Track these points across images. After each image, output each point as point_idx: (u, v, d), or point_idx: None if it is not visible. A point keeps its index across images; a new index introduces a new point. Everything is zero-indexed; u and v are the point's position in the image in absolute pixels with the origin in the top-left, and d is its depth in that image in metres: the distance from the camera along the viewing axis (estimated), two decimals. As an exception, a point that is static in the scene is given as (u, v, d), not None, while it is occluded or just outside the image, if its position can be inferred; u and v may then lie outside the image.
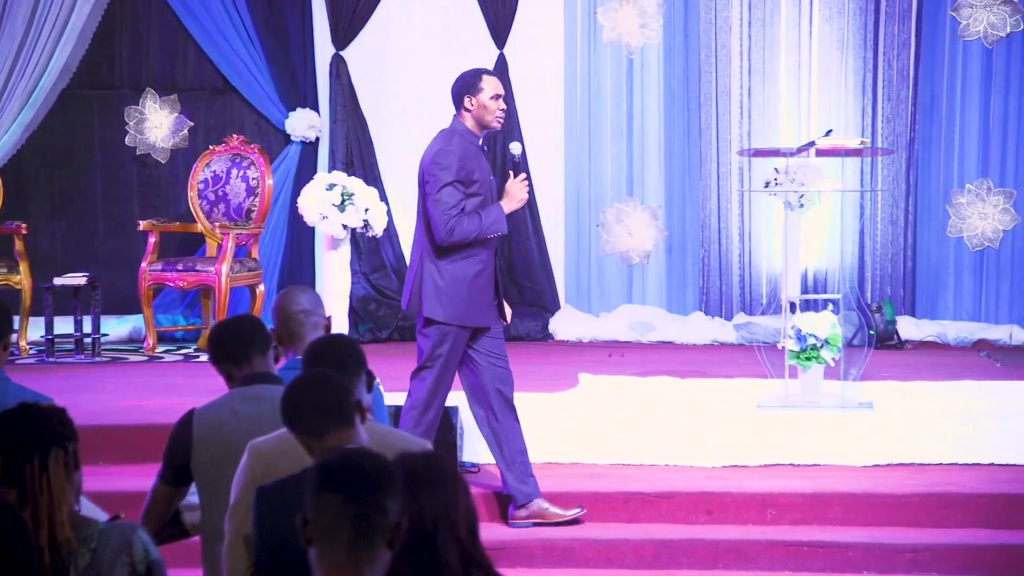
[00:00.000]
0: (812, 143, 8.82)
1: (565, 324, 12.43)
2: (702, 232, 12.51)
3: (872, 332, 11.22)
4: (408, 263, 7.86)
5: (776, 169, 9.32)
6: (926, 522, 7.53)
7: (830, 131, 9.12)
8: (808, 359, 8.50)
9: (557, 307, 12.60)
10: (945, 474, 7.99)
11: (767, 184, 9.60)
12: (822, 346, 8.48)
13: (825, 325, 8.51)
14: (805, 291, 11.47)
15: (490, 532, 7.13)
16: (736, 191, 12.39)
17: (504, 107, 7.38)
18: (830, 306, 8.78)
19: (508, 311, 7.63)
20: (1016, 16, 12.20)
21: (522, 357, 11.15)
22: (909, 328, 12.07)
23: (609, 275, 12.66)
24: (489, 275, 7.36)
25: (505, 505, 7.53)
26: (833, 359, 8.53)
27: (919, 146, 12.35)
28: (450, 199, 7.16)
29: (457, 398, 8.47)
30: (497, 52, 12.51)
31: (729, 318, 12.40)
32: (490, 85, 7.32)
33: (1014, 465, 8.09)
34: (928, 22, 12.29)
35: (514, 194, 7.36)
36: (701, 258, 12.53)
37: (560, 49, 12.55)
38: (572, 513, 7.49)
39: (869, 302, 11.99)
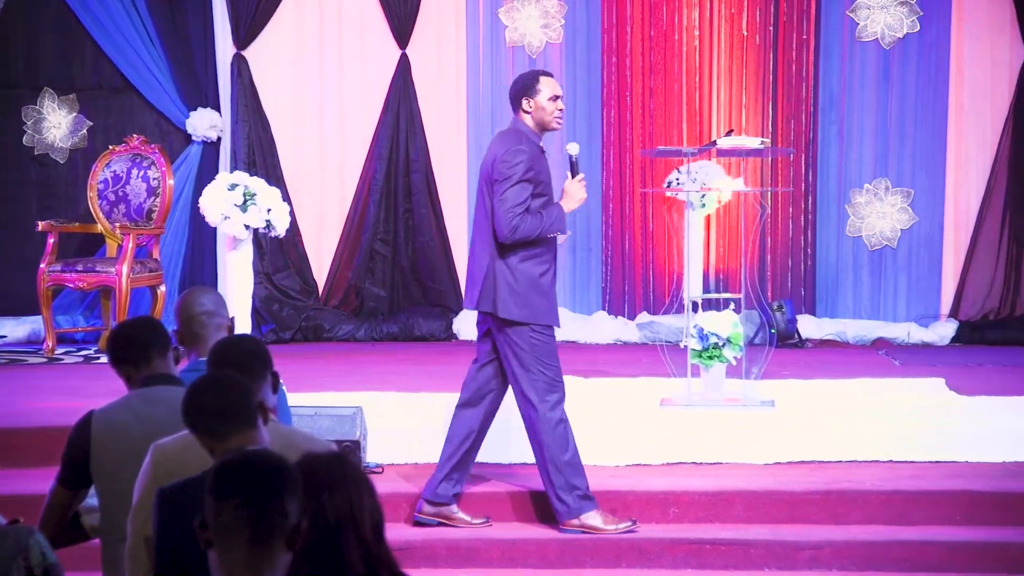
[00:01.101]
0: (713, 143, 8.88)
1: (469, 324, 12.41)
2: (605, 232, 12.56)
3: (773, 331, 11.31)
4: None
5: (678, 169, 9.39)
6: (827, 519, 7.59)
7: (731, 131, 9.20)
8: (710, 358, 8.55)
9: (461, 307, 12.59)
10: (845, 471, 8.06)
11: (669, 184, 9.70)
12: (724, 345, 8.53)
13: (727, 324, 8.57)
14: (707, 290, 11.55)
15: (396, 532, 7.12)
16: (639, 191, 12.44)
17: (562, 108, 7.40)
18: (732, 305, 8.84)
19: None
20: (912, 17, 12.34)
21: (426, 357, 11.18)
22: (809, 327, 12.18)
23: (512, 275, 12.65)
24: (553, 275, 7.39)
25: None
26: (735, 358, 8.59)
27: (818, 146, 12.47)
28: (516, 197, 7.17)
29: (362, 399, 8.45)
30: (400, 52, 12.50)
31: (632, 317, 12.45)
32: (548, 86, 7.34)
33: (912, 462, 8.19)
34: (826, 23, 12.42)
35: (573, 194, 7.40)
36: (604, 258, 12.57)
37: (463, 49, 12.55)
38: (624, 526, 7.48)
39: (770, 301, 12.09)
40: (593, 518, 7.38)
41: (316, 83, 12.54)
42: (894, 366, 10.66)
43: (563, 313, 12.34)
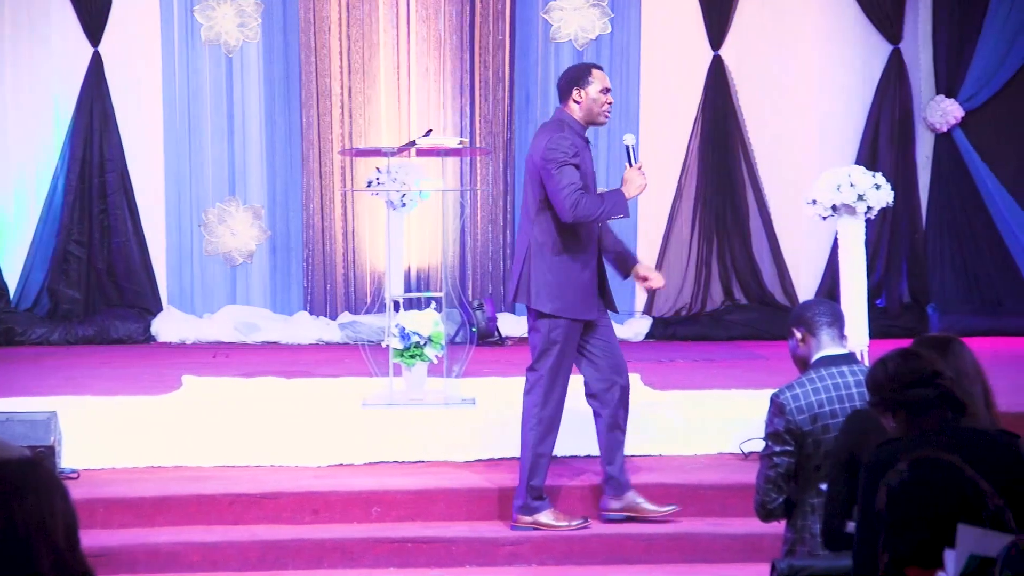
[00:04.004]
0: (413, 143, 8.91)
1: (168, 326, 12.26)
2: (306, 232, 12.52)
3: (474, 329, 11.41)
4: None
5: (378, 169, 9.39)
6: (527, 514, 7.69)
7: (430, 131, 9.23)
8: (412, 357, 8.59)
9: (159, 309, 12.43)
10: (544, 466, 8.17)
11: (369, 184, 9.68)
12: (425, 344, 8.58)
13: (428, 323, 8.61)
14: (408, 289, 11.61)
15: (93, 538, 6.98)
16: (339, 191, 12.44)
17: (611, 101, 7.42)
18: (433, 304, 8.89)
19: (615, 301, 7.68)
20: (604, 19, 12.61)
21: (124, 360, 10.99)
22: (509, 324, 12.33)
23: (212, 276, 12.54)
24: (594, 269, 7.36)
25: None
26: (436, 356, 8.64)
27: (516, 146, 12.64)
28: (569, 177, 7.15)
29: (57, 403, 8.26)
30: (92, 50, 12.25)
31: (334, 317, 12.44)
32: (599, 79, 7.34)
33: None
34: (522, 24, 12.60)
35: (632, 180, 7.36)
36: (305, 258, 12.53)
37: (157, 47, 12.37)
38: (666, 510, 7.51)
39: (471, 299, 12.20)
40: (546, 517, 7.42)
41: (4, 80, 12.21)
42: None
43: (264, 314, 12.31)
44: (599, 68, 7.49)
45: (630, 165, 7.47)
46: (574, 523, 7.49)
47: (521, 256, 7.40)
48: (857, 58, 12.84)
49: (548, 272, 7.30)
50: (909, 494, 3.39)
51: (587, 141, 7.45)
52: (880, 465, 3.87)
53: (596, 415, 7.49)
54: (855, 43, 12.82)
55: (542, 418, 7.38)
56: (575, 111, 7.36)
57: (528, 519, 7.43)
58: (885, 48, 12.80)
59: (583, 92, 7.34)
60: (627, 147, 7.56)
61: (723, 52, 12.71)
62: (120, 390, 9.13)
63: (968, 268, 12.89)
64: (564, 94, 7.41)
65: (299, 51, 12.48)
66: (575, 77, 7.39)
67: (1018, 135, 12.94)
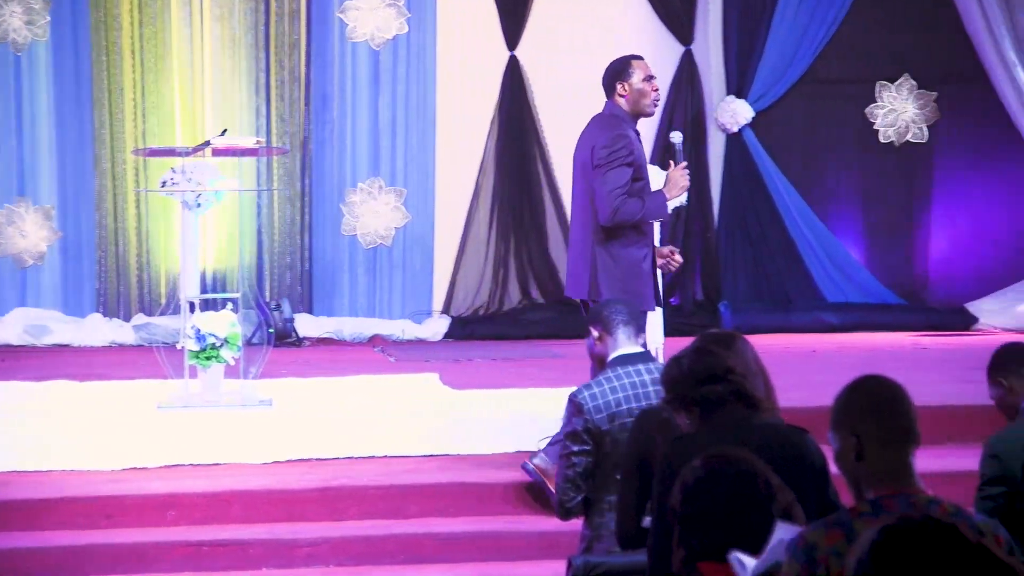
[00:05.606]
0: (207, 143, 8.83)
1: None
2: (98, 233, 12.33)
3: (271, 330, 11.34)
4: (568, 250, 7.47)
5: (173, 169, 9.29)
6: (324, 516, 7.66)
7: (225, 131, 9.15)
8: (208, 358, 8.51)
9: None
10: (343, 468, 8.14)
11: (164, 184, 9.57)
12: (222, 345, 8.50)
13: (224, 324, 8.54)
14: (204, 291, 11.48)
15: None
16: (132, 191, 12.27)
17: (657, 88, 7.32)
18: (229, 305, 8.82)
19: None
20: (401, 19, 12.61)
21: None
22: (307, 325, 12.28)
23: (0, 278, 12.28)
24: (651, 261, 7.29)
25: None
26: (233, 358, 8.57)
27: (313, 146, 12.59)
28: (617, 180, 7.10)
29: None
30: None
31: (128, 319, 12.27)
32: (640, 68, 7.30)
33: (408, 456, 8.35)
34: (318, 23, 12.55)
35: (676, 181, 7.30)
36: (98, 259, 12.34)
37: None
38: None
39: (268, 300, 12.12)
40: None
41: None
42: (390, 363, 10.86)
43: (55, 316, 12.09)
44: (639, 58, 7.49)
45: (674, 164, 7.47)
46: None
47: (587, 251, 7.30)
48: (650, 59, 12.98)
49: (614, 264, 7.26)
50: (703, 490, 3.45)
51: (638, 134, 7.42)
52: (675, 461, 3.93)
53: None
54: (648, 44, 12.98)
55: None
56: (622, 104, 7.36)
57: None
58: (677, 49, 13.02)
59: (627, 84, 7.34)
60: (673, 145, 7.57)
61: (519, 52, 12.80)
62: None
63: (758, 266, 13.16)
64: (609, 89, 7.40)
65: (90, 50, 12.28)
66: (616, 71, 7.40)
67: (806, 135, 13.25)
